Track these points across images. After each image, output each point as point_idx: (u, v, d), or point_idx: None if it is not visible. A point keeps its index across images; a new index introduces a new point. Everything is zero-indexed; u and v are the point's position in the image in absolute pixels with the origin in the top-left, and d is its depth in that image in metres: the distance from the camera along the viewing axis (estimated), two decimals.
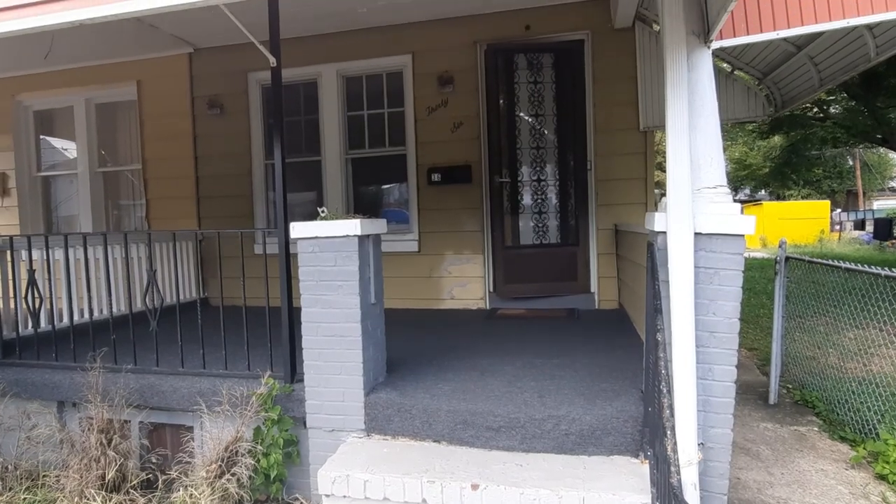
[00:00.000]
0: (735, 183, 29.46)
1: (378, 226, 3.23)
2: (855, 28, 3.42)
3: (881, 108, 11.10)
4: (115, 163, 6.96)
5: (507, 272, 5.54)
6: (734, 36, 2.68)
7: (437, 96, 5.70)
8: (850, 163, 32.96)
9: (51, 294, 3.93)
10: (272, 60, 3.28)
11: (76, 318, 3.97)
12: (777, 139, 21.40)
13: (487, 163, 5.58)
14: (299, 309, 3.08)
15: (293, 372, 3.21)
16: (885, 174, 36.75)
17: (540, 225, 5.58)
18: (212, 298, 6.09)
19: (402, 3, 5.22)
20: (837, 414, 4.17)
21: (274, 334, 3.24)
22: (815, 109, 14.58)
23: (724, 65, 5.40)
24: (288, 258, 3.23)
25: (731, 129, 23.04)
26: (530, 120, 5.55)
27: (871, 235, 19.70)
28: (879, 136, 14.04)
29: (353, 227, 2.92)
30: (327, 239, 2.96)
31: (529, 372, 3.35)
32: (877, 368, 4.51)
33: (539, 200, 5.57)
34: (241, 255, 3.37)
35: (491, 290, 5.66)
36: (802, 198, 30.20)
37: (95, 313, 4.60)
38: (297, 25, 5.66)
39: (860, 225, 24.65)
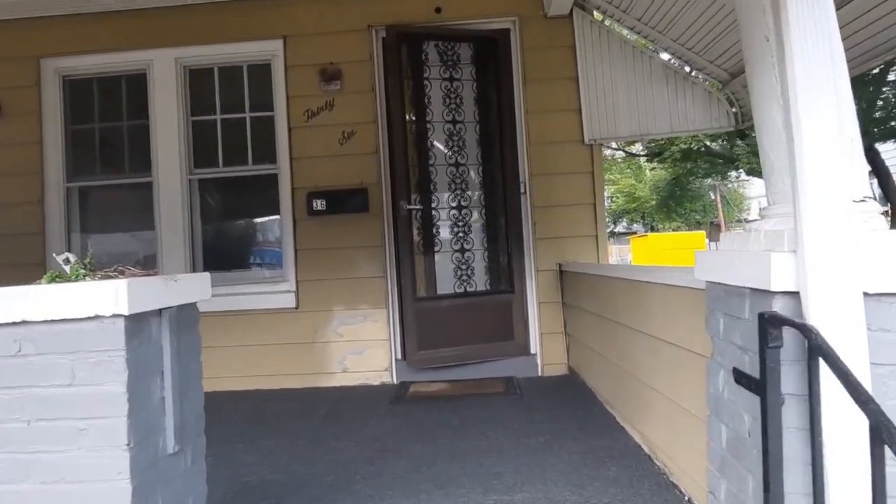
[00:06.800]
0: (621, 216, 30.73)
1: (192, 286, 1.64)
2: None
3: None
4: None
5: (420, 332, 4.06)
6: None
7: (319, 97, 4.21)
8: (713, 197, 35.99)
9: None
10: None
11: None
12: (663, 173, 22.36)
13: (390, 185, 4.16)
14: None
15: None
16: (740, 207, 40.84)
17: (463, 267, 4.21)
18: None
19: None
20: None
21: None
22: (699, 146, 15.27)
23: (678, 62, 4.48)
24: None
25: (624, 160, 23.84)
26: (446, 129, 4.23)
27: None
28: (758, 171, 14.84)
29: (109, 295, 1.31)
30: (52, 325, 1.33)
31: None
32: None
33: (461, 235, 4.22)
34: None
35: (399, 357, 4.15)
36: (673, 230, 32.08)
37: None
38: None
39: None
